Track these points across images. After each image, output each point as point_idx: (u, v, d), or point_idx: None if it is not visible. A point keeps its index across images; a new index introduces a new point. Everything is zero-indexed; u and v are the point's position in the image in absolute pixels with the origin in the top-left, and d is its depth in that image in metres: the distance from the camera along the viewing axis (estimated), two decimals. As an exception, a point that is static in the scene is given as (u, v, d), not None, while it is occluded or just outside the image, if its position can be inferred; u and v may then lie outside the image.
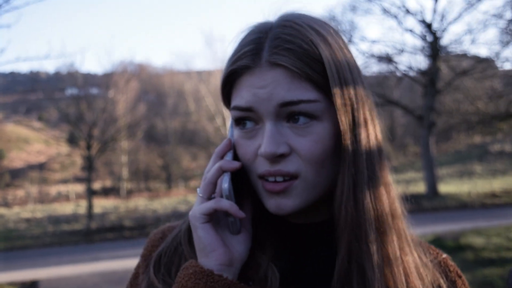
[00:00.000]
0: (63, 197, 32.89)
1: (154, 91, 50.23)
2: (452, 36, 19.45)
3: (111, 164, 36.19)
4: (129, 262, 9.84)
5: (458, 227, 11.44)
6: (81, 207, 22.71)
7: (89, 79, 23.48)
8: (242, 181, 0.84)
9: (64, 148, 41.02)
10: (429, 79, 18.18)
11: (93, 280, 9.14)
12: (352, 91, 0.78)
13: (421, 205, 16.11)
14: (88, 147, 16.87)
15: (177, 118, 42.98)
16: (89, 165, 17.37)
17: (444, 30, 18.20)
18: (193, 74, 39.99)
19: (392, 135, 42.51)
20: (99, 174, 37.64)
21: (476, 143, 36.83)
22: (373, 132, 0.82)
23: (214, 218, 0.80)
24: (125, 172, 36.11)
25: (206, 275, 0.75)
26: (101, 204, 22.37)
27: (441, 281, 0.87)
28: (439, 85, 18.60)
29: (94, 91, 27.38)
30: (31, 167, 45.65)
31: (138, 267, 0.95)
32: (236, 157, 0.84)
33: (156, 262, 0.88)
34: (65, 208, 23.49)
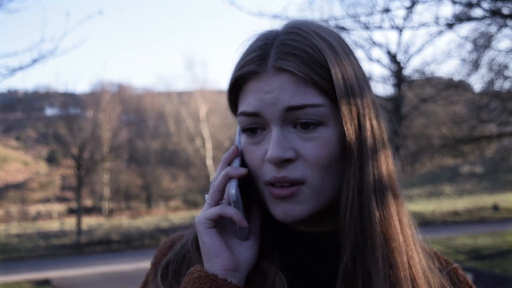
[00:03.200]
0: (44, 216, 32.94)
1: (135, 112, 50.13)
2: (416, 66, 20.37)
3: (92, 184, 36.37)
4: (119, 267, 10.93)
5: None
6: (66, 224, 23.25)
7: (69, 99, 23.83)
8: (252, 188, 0.82)
9: (43, 168, 41.01)
10: (394, 106, 19.27)
11: (97, 278, 10.03)
12: (358, 97, 0.77)
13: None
14: (78, 167, 17.76)
15: (157, 139, 42.97)
16: (79, 185, 18.33)
17: (408, 61, 19.40)
18: (173, 96, 40.41)
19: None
20: (80, 193, 37.51)
21: (448, 165, 36.96)
22: (380, 138, 0.80)
23: (221, 224, 0.79)
24: (106, 192, 36.35)
25: (210, 280, 0.73)
26: (85, 222, 22.89)
27: None
28: (404, 110, 19.63)
29: (75, 111, 27.58)
30: (10, 186, 45.32)
31: (148, 275, 0.93)
32: (244, 164, 0.82)
33: (164, 269, 0.87)
34: (51, 226, 24.03)
